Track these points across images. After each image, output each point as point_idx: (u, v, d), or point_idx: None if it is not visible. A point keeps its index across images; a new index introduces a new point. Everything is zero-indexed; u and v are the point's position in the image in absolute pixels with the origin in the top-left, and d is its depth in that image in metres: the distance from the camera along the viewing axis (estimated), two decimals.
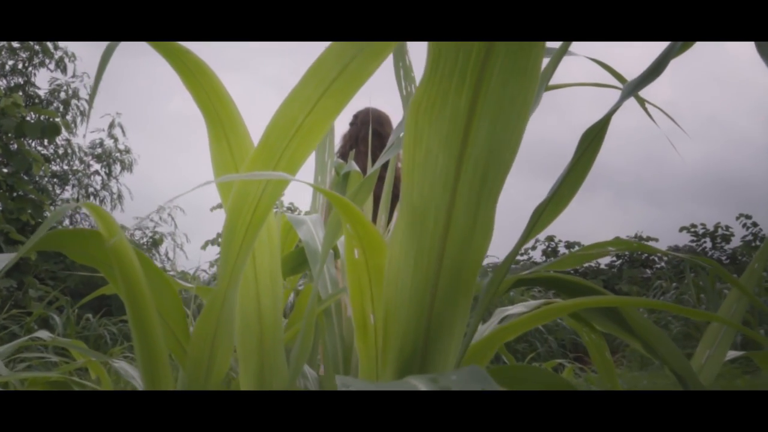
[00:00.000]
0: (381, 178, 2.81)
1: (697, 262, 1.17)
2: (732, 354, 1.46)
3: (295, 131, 0.85)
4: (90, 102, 0.76)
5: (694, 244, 12.95)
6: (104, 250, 0.88)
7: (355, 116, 2.99)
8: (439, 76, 0.59)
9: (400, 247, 0.70)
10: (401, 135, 1.07)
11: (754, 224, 12.21)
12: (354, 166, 1.78)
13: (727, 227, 12.61)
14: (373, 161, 2.77)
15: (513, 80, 0.58)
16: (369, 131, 2.75)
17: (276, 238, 1.11)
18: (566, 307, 1.08)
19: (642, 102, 1.09)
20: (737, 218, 12.44)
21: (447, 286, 0.70)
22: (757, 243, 12.10)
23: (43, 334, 2.19)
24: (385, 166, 2.84)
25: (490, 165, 0.63)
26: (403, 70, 1.59)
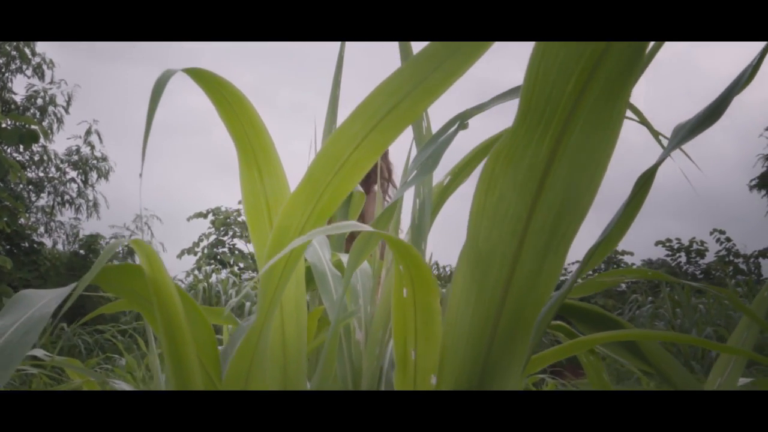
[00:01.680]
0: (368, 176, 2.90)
1: (718, 295, 1.18)
2: (743, 381, 1.47)
3: (340, 167, 0.85)
4: (145, 139, 0.75)
5: (669, 259, 13.12)
6: (144, 285, 0.87)
7: None
8: (525, 127, 0.59)
9: (461, 288, 0.70)
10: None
11: (728, 239, 12.40)
12: (357, 187, 1.78)
13: (702, 242, 12.79)
14: (367, 178, 2.83)
15: (595, 132, 0.58)
16: None
17: (301, 266, 1.10)
18: (591, 341, 1.09)
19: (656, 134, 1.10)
20: (711, 233, 12.63)
21: (506, 328, 0.70)
22: (731, 258, 12.28)
23: (38, 352, 2.16)
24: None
25: (563, 213, 0.63)
26: None
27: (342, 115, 1.45)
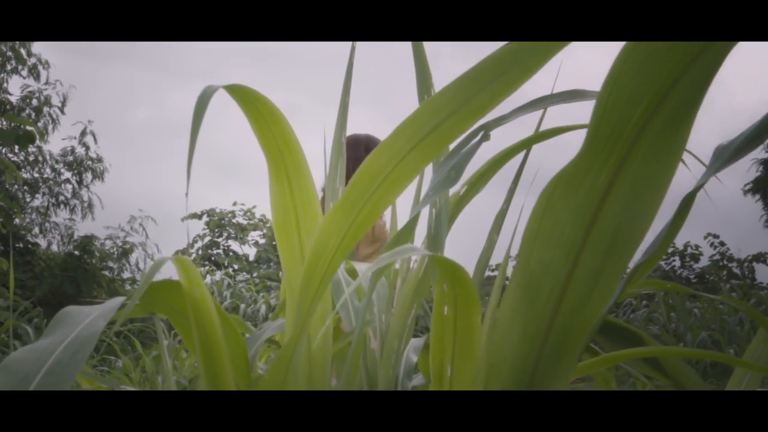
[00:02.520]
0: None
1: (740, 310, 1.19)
2: None
3: (380, 182, 0.85)
4: (189, 157, 0.75)
5: (663, 263, 13.15)
6: (180, 300, 0.87)
7: (357, 140, 3.07)
8: (590, 155, 0.59)
9: (510, 308, 0.70)
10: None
11: (722, 243, 12.44)
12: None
13: (697, 246, 12.83)
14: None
15: (657, 159, 0.59)
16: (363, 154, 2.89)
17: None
18: (615, 358, 1.09)
19: None
20: (705, 237, 12.67)
21: (553, 348, 0.70)
22: (725, 262, 12.32)
23: None
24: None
25: (618, 238, 0.63)
26: None
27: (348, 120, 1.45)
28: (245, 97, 0.91)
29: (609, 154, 0.59)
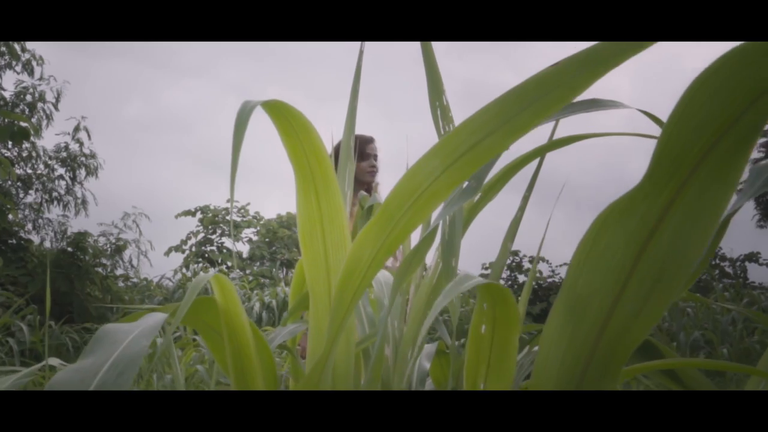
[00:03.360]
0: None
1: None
2: None
3: (415, 200, 0.86)
4: (233, 174, 0.75)
5: None
6: (213, 315, 0.87)
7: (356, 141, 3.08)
8: (651, 183, 0.59)
9: (555, 329, 0.70)
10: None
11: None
12: (378, 198, 1.78)
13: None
14: (357, 181, 3.03)
15: (713, 187, 0.59)
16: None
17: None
18: (634, 371, 1.10)
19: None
20: None
21: (597, 369, 0.71)
22: (718, 261, 12.37)
23: (54, 361, 2.13)
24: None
25: (668, 264, 0.63)
26: (440, 110, 1.57)
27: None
28: (279, 112, 0.91)
29: (667, 182, 0.59)
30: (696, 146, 0.56)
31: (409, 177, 0.84)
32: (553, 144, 1.23)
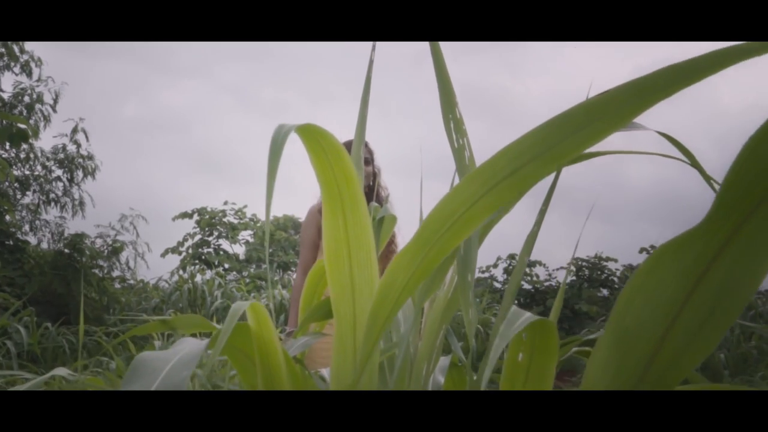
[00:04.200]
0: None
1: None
2: None
3: (450, 225, 0.85)
4: (268, 202, 0.74)
5: None
6: (246, 341, 0.86)
7: (369, 152, 3.08)
8: (712, 222, 0.58)
9: (601, 359, 0.70)
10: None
11: None
12: (389, 210, 1.77)
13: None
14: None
15: None
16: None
17: (375, 280, 1.11)
18: None
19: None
20: None
21: None
22: None
23: (62, 371, 2.11)
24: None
25: (722, 298, 0.63)
26: (453, 122, 1.54)
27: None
28: (310, 134, 0.90)
29: (726, 221, 0.58)
30: (759, 188, 0.55)
31: (446, 202, 0.83)
32: (575, 159, 1.22)
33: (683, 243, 0.61)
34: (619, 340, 0.67)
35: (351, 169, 0.96)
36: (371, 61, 1.44)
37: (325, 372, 1.38)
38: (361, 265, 1.07)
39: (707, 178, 1.21)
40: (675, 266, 0.62)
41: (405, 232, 2.79)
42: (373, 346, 0.90)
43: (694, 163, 1.18)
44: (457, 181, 1.28)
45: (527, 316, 0.76)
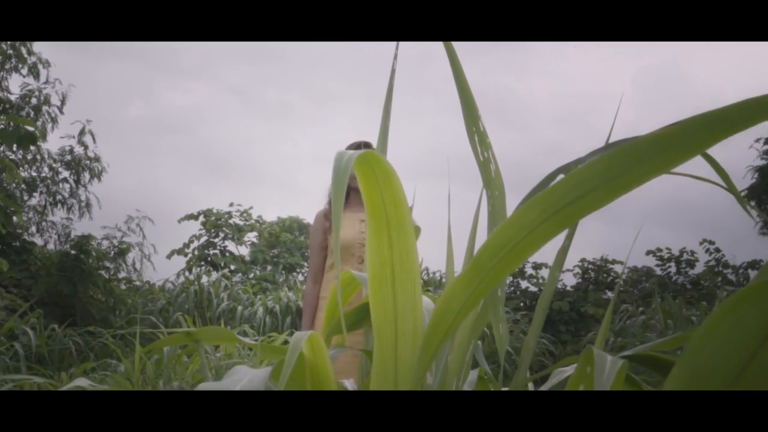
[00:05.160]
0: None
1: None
2: None
3: (507, 252, 0.84)
4: (336, 226, 0.73)
5: (659, 269, 13.18)
6: (299, 368, 0.86)
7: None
8: None
9: None
10: None
11: (717, 249, 12.48)
12: (414, 221, 1.76)
13: (692, 252, 12.84)
14: (350, 188, 3.07)
15: None
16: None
17: (420, 313, 1.10)
18: None
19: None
20: (701, 243, 12.71)
21: None
22: (720, 269, 12.37)
23: (83, 381, 2.11)
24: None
25: None
26: (477, 135, 1.52)
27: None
28: (364, 159, 0.90)
29: None
30: None
31: (504, 229, 0.83)
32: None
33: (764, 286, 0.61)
34: (692, 377, 0.67)
35: (400, 194, 0.96)
36: (393, 71, 1.44)
37: (347, 383, 1.37)
38: (404, 287, 1.07)
39: (742, 202, 1.20)
40: (755, 306, 0.61)
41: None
42: (425, 371, 0.89)
43: (731, 189, 1.17)
44: (485, 193, 1.27)
45: (612, 361, 0.75)
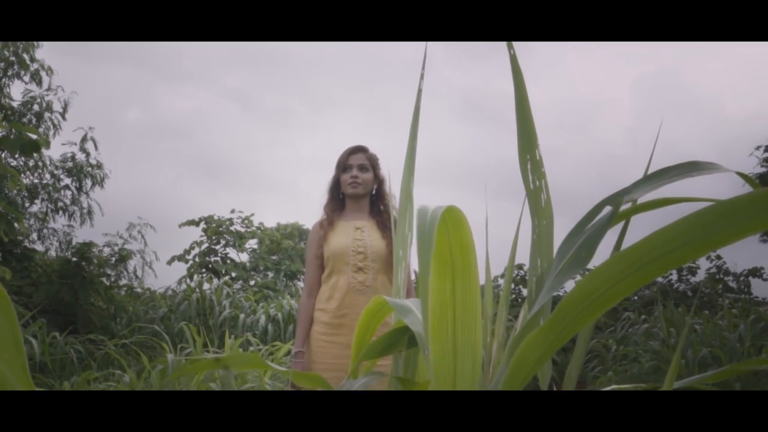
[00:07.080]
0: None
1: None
2: None
3: (589, 303, 0.83)
4: (423, 277, 0.72)
5: (660, 277, 13.17)
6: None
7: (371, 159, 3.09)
8: None
9: None
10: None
11: (718, 257, 12.47)
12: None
13: (693, 260, 12.82)
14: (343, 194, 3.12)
15: None
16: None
17: (479, 354, 1.10)
18: None
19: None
20: None
21: None
22: (721, 276, 12.38)
23: None
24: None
25: None
26: (531, 163, 1.43)
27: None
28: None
29: None
30: None
31: (587, 281, 0.82)
32: (641, 207, 1.19)
33: None
34: None
35: (468, 239, 0.96)
36: (420, 91, 1.41)
37: None
38: (465, 330, 1.07)
39: None
40: None
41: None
42: None
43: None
44: (531, 221, 1.26)
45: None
